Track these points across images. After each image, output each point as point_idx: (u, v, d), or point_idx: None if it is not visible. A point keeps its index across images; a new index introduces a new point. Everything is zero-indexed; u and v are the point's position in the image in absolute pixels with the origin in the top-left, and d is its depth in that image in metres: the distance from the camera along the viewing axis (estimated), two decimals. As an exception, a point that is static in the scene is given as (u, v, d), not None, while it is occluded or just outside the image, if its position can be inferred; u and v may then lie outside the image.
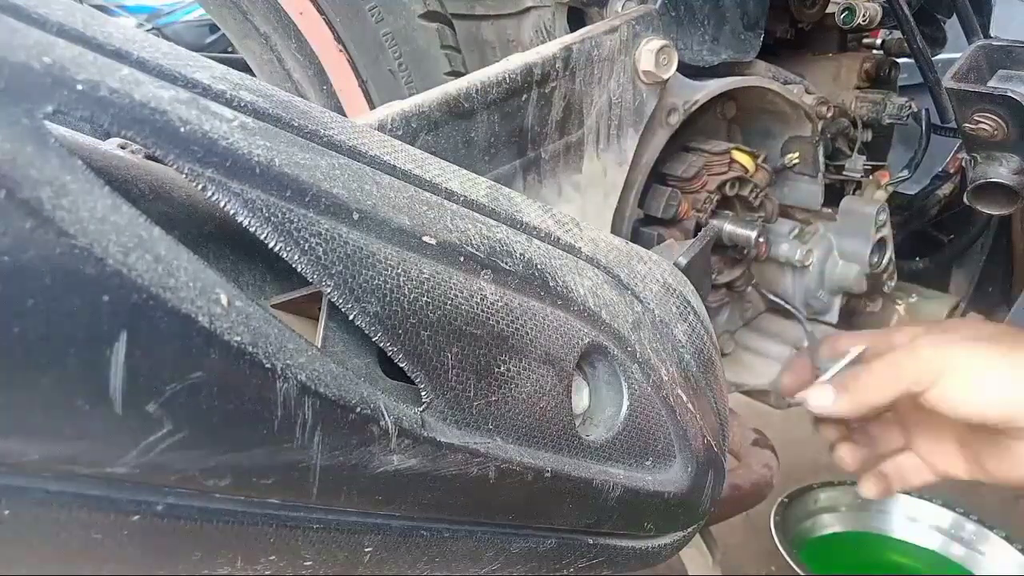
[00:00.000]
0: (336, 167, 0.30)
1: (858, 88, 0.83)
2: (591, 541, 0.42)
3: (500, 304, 0.34)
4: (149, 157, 0.34)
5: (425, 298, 0.31)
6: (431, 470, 0.32)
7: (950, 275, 1.02)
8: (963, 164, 0.87)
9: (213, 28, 2.99)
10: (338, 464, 0.29)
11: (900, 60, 0.86)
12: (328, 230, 0.28)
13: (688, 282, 0.48)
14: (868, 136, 0.84)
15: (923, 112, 0.84)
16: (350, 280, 0.29)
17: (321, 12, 0.65)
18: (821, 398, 0.60)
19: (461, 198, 0.36)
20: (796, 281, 0.81)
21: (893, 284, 0.86)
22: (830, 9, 0.82)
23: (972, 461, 0.61)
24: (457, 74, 0.66)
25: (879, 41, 0.87)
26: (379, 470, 0.30)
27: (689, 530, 0.49)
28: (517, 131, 0.54)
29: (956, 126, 0.64)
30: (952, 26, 0.87)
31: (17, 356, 0.21)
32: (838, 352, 0.64)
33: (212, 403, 0.25)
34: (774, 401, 0.82)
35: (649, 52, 0.58)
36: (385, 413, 0.29)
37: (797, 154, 0.79)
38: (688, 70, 0.65)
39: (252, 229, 0.27)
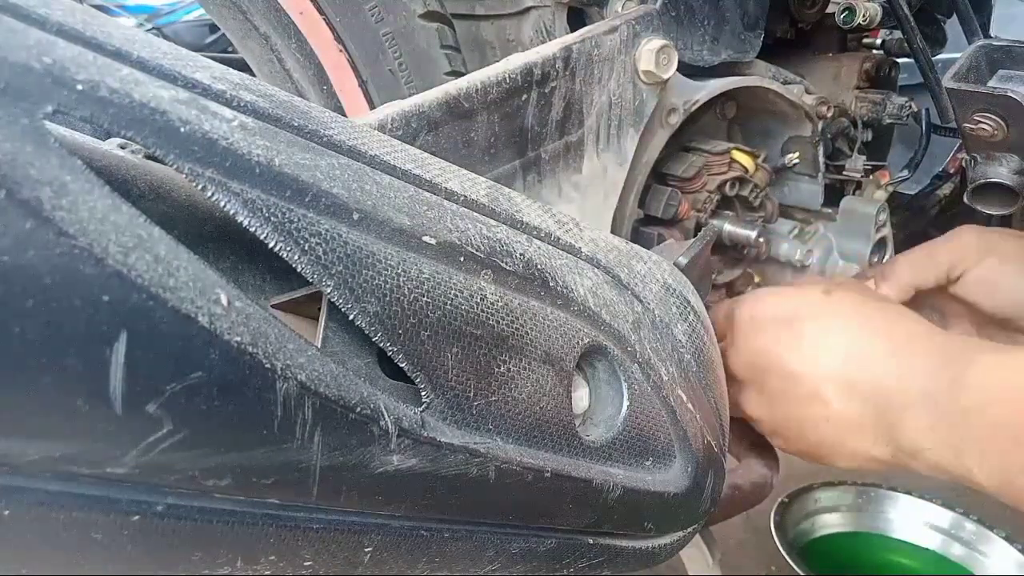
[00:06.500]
0: (336, 167, 0.30)
1: (858, 88, 0.83)
2: (591, 541, 0.42)
3: (500, 304, 0.34)
4: (149, 157, 0.34)
5: (425, 298, 0.31)
6: (431, 470, 0.32)
7: (950, 275, 1.02)
8: (963, 164, 0.86)
9: (213, 28, 2.99)
10: (338, 464, 0.29)
11: (900, 60, 0.86)
12: (328, 230, 0.28)
13: (688, 282, 0.48)
14: (868, 136, 0.84)
15: (923, 112, 0.84)
16: (350, 280, 0.29)
17: (321, 12, 0.65)
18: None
19: (461, 198, 0.36)
20: (796, 281, 0.81)
21: (893, 284, 0.86)
22: (830, 9, 0.82)
23: None
24: (457, 74, 0.66)
25: (879, 41, 0.87)
26: (379, 470, 0.30)
27: (689, 530, 0.49)
28: (517, 131, 0.54)
29: (956, 126, 0.63)
30: (952, 26, 0.87)
31: (17, 356, 0.21)
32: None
33: (212, 403, 0.25)
34: None
35: (649, 52, 0.58)
36: (385, 413, 0.29)
37: (797, 154, 0.79)
38: (688, 70, 0.65)
39: (252, 229, 0.27)
